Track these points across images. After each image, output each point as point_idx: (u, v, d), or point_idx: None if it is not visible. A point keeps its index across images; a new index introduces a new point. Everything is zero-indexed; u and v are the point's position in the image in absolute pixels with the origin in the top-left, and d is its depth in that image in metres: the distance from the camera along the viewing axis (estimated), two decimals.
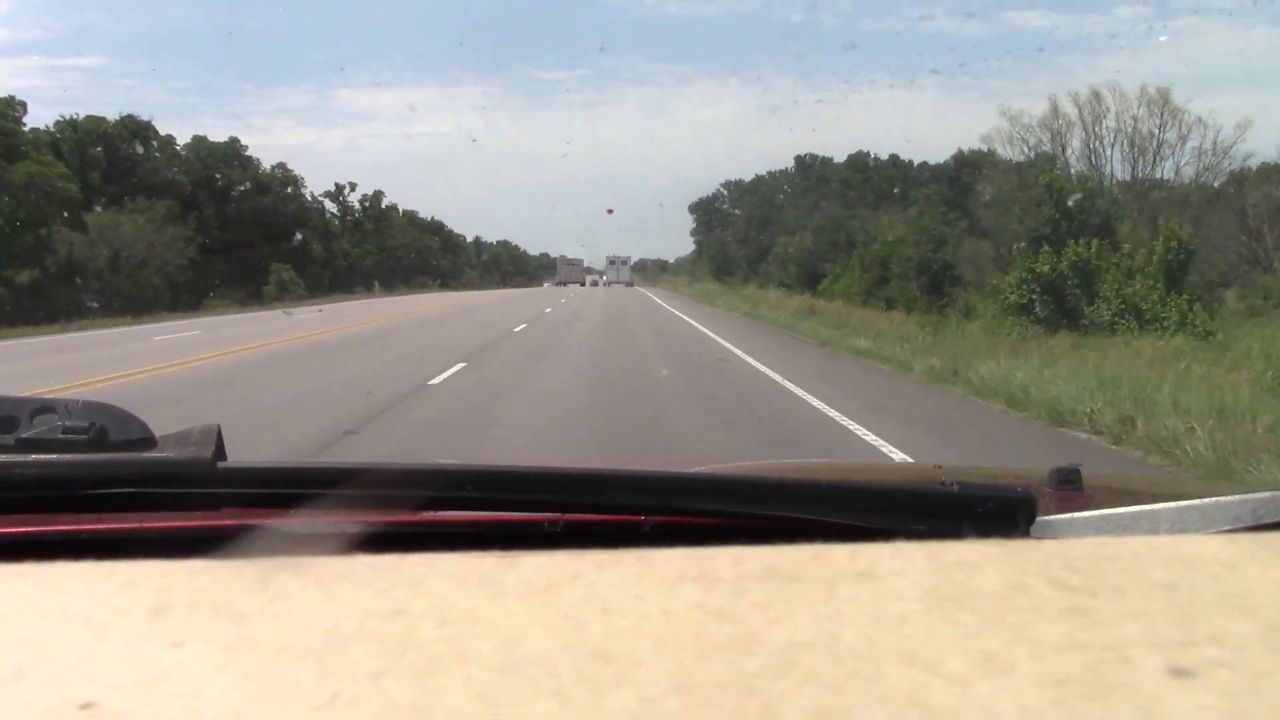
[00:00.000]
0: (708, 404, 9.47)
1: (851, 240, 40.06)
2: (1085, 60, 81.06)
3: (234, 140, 54.83)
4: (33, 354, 16.38)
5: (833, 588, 0.51)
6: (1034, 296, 22.87)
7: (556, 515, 0.93)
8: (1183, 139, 35.74)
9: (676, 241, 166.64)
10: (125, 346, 17.32)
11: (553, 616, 0.48)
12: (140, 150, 46.97)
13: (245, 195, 53.13)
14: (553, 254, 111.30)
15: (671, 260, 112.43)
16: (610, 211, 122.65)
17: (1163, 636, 0.45)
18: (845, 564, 0.55)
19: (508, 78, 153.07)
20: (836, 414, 8.55)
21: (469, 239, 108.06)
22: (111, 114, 47.00)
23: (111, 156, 44.84)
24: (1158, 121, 35.73)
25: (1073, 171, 33.94)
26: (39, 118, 45.47)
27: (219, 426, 0.88)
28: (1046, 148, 37.17)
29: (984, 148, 42.10)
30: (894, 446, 7.02)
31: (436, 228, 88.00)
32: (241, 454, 0.94)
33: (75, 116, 45.16)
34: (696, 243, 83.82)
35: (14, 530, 0.89)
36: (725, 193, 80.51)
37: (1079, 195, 25.10)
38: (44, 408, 0.92)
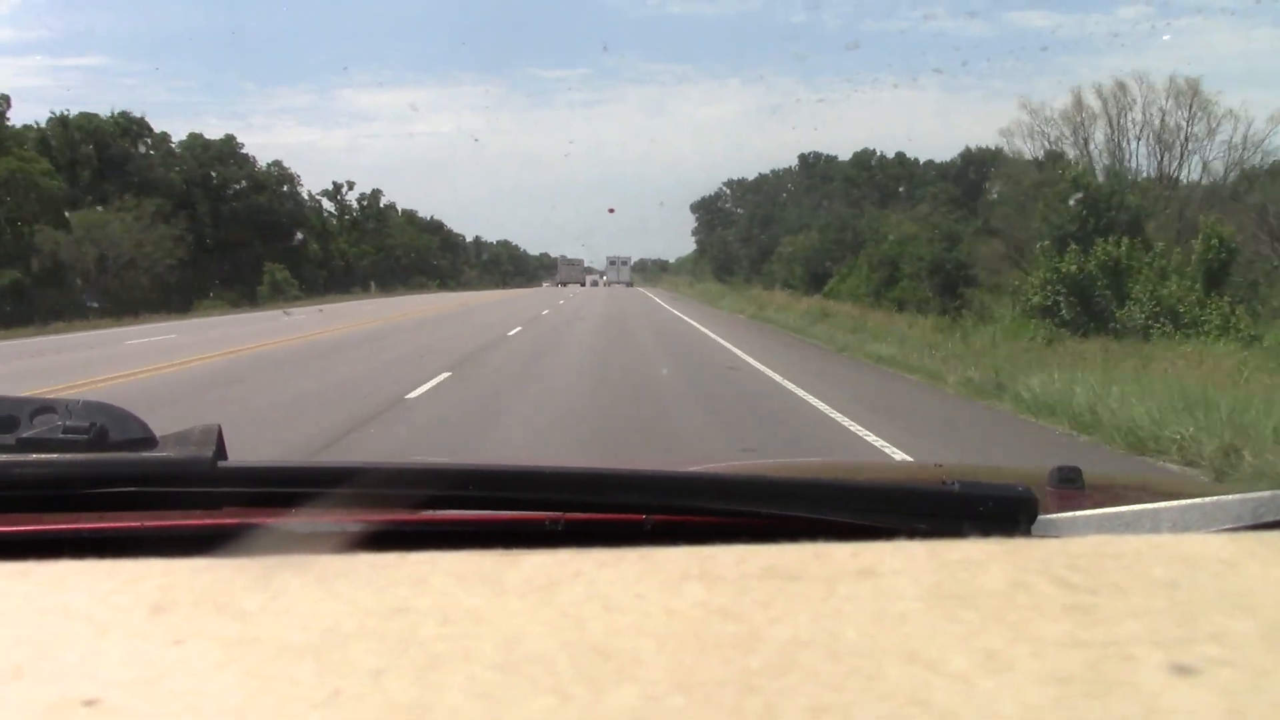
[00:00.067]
0: (722, 420, 8.46)
1: (859, 239, 39.05)
2: (1088, 60, 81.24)
3: (230, 137, 54.32)
4: None
5: (834, 586, 0.51)
6: (1059, 298, 21.55)
7: (558, 514, 0.93)
8: (1212, 132, 34.35)
9: (677, 241, 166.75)
10: (77, 354, 15.97)
11: (554, 614, 0.48)
12: (133, 148, 46.27)
13: (241, 194, 52.66)
14: (553, 254, 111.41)
15: (672, 260, 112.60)
16: (611, 211, 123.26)
17: (1164, 634, 0.45)
18: (847, 563, 0.55)
19: (508, 77, 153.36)
20: (873, 436, 7.58)
21: (469, 239, 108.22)
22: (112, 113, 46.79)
23: (103, 154, 44.10)
24: (1185, 114, 34.36)
25: (1099, 166, 32.81)
26: (41, 117, 44.77)
27: (219, 426, 0.88)
28: (1069, 141, 36.08)
29: (997, 144, 40.67)
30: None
31: (435, 227, 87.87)
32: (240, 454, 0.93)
33: (66, 113, 44.45)
34: (698, 242, 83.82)
35: (15, 529, 0.90)
36: (728, 191, 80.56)
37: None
38: (44, 408, 0.92)
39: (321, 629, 0.47)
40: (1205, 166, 34.92)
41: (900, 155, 63.37)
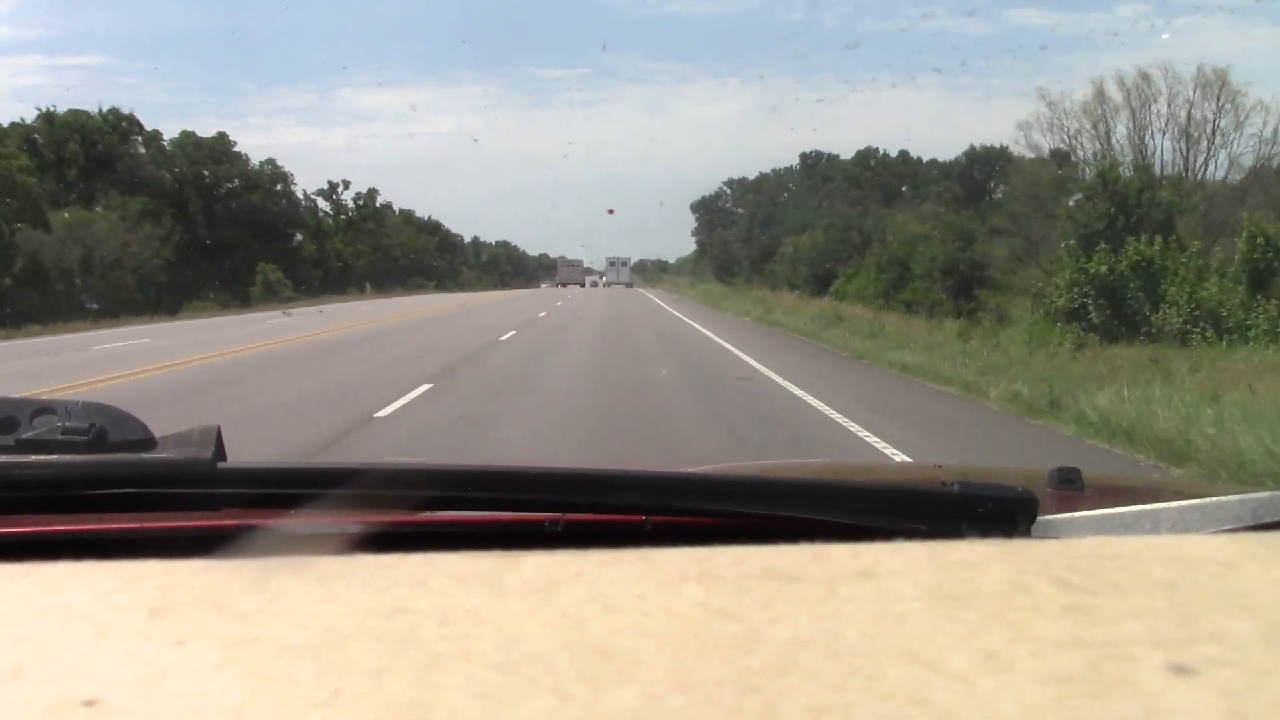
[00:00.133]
0: (747, 447, 7.35)
1: (866, 239, 37.89)
2: (1087, 59, 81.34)
3: (222, 135, 53.52)
4: None
5: (833, 587, 0.51)
6: (1087, 300, 20.26)
7: (557, 515, 0.93)
8: (1239, 125, 32.29)
9: (677, 241, 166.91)
10: (29, 362, 14.96)
11: (554, 615, 0.48)
12: (122, 145, 45.17)
13: (233, 192, 51.91)
14: (552, 254, 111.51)
15: (672, 260, 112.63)
16: (611, 211, 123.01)
17: (1163, 635, 0.45)
18: (846, 563, 0.55)
19: (508, 77, 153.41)
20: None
21: (468, 239, 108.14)
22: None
23: (90, 151, 43.08)
24: (1214, 106, 32.20)
25: (1124, 161, 30.75)
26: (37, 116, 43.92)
27: (219, 427, 0.88)
28: (1089, 135, 34.23)
29: (1002, 142, 39.34)
30: None
31: (433, 227, 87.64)
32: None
33: (53, 109, 43.56)
34: (698, 242, 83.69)
35: (15, 530, 0.90)
36: (728, 191, 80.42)
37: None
38: (44, 409, 0.92)
39: (321, 629, 0.47)
40: (1232, 161, 33.07)
41: (904, 154, 63.20)
